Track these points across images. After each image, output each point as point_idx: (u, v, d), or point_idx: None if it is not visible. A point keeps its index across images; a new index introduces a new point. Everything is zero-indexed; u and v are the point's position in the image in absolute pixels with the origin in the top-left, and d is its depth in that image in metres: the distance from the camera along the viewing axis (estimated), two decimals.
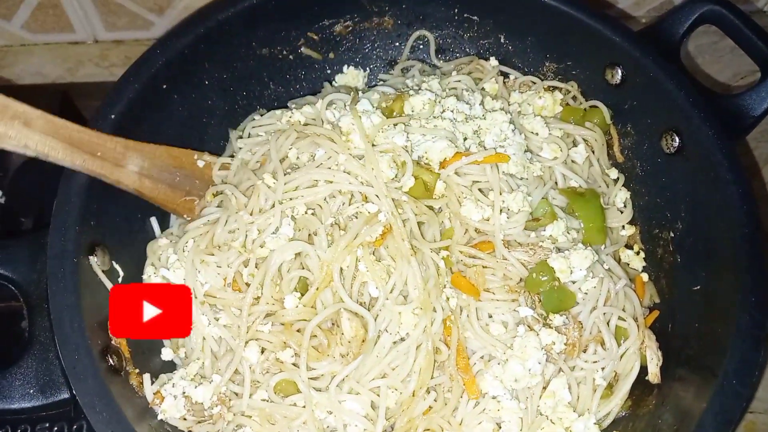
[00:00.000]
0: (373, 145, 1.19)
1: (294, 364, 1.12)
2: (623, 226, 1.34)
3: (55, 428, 1.27)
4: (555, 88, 1.41)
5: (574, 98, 1.41)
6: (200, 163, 1.29)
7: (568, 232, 1.23)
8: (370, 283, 1.13)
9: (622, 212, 1.34)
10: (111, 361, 1.05)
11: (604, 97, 1.37)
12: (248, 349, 1.12)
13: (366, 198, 1.16)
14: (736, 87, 1.71)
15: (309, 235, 1.17)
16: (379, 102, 1.27)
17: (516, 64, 1.46)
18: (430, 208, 1.20)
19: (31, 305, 1.09)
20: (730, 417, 1.00)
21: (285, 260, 1.15)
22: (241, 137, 1.36)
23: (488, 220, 1.19)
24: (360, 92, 1.33)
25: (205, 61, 1.31)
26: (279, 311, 1.13)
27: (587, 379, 1.17)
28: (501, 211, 1.19)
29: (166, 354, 1.19)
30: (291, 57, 1.44)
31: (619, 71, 1.32)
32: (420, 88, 1.33)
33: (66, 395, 1.03)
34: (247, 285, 1.15)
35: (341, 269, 1.13)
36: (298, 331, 1.13)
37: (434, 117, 1.26)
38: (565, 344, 1.15)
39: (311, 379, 1.11)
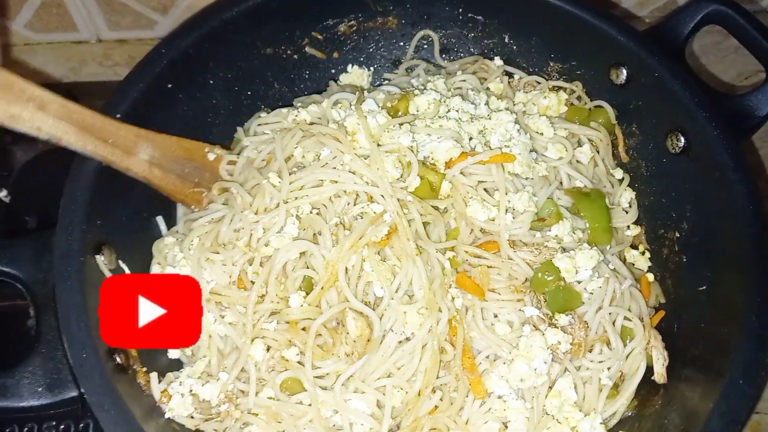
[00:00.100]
0: (378, 145, 1.19)
1: (299, 363, 1.12)
2: (628, 226, 1.34)
3: (62, 427, 1.28)
4: (560, 87, 1.41)
5: (579, 98, 1.41)
6: (211, 156, 1.29)
7: (574, 232, 1.23)
8: (375, 282, 1.13)
9: (627, 212, 1.34)
10: (118, 359, 1.05)
11: (609, 97, 1.37)
12: (254, 346, 1.12)
13: (371, 198, 1.16)
14: (740, 87, 1.71)
15: (314, 234, 1.17)
16: (384, 102, 1.27)
17: (520, 63, 1.46)
18: (436, 208, 1.20)
19: (37, 304, 1.09)
20: (737, 417, 1.00)
21: (289, 259, 1.15)
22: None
23: (494, 220, 1.19)
24: (365, 92, 1.33)
25: (210, 60, 1.31)
26: (284, 309, 1.13)
27: (593, 378, 1.17)
28: (506, 211, 1.19)
29: (173, 352, 1.19)
30: (295, 56, 1.44)
31: (624, 71, 1.32)
32: (425, 88, 1.33)
33: (74, 393, 1.03)
34: (252, 283, 1.15)
35: (346, 269, 1.13)
36: (303, 329, 1.13)
37: (439, 117, 1.26)
38: (571, 344, 1.15)
39: (317, 377, 1.11)
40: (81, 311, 1.02)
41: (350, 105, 1.26)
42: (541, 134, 1.32)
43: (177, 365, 1.19)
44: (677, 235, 1.27)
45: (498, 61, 1.45)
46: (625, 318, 1.20)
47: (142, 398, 1.09)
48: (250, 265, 1.16)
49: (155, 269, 1.22)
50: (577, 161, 1.34)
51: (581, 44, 1.36)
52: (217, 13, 1.28)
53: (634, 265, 1.32)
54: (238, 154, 1.31)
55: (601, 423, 1.14)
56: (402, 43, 1.50)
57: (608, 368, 1.18)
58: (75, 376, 1.00)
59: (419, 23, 1.47)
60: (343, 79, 1.49)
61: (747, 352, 1.03)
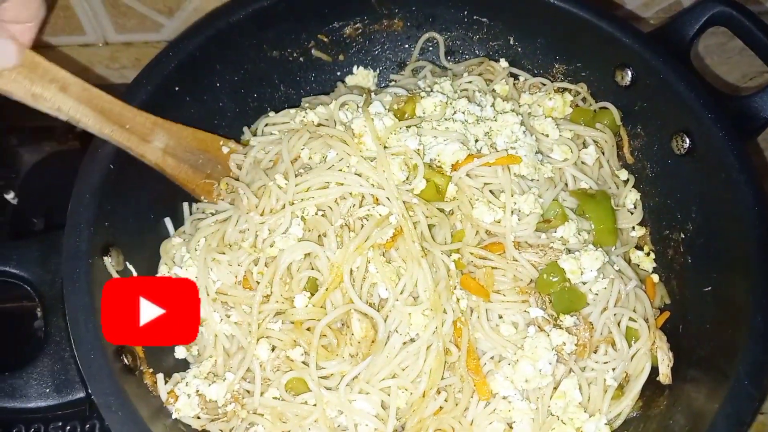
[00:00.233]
0: (385, 147, 1.19)
1: (304, 363, 1.12)
2: (633, 227, 1.34)
3: (68, 427, 1.28)
4: (565, 89, 1.41)
5: (584, 100, 1.41)
6: (225, 149, 1.31)
7: (579, 234, 1.23)
8: (380, 284, 1.13)
9: (632, 213, 1.34)
10: (126, 360, 1.06)
11: (614, 98, 1.37)
12: (259, 346, 1.13)
13: (377, 200, 1.17)
14: (745, 88, 1.71)
15: (319, 236, 1.17)
16: (391, 104, 1.28)
17: (525, 65, 1.46)
18: (441, 210, 1.20)
19: (45, 305, 1.10)
20: (743, 418, 1.00)
21: (294, 260, 1.15)
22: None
23: (499, 222, 1.19)
24: (372, 93, 1.33)
25: (217, 63, 1.32)
26: (289, 310, 1.14)
27: (598, 379, 1.17)
28: (512, 212, 1.19)
29: (180, 352, 1.19)
30: (301, 59, 1.44)
31: (629, 72, 1.32)
32: (432, 90, 1.34)
33: (81, 394, 1.03)
34: (257, 283, 1.16)
35: (351, 270, 1.13)
36: (308, 329, 1.14)
37: (446, 119, 1.26)
38: (576, 345, 1.15)
39: (321, 378, 1.11)
40: (89, 312, 1.02)
41: (357, 107, 1.27)
42: (547, 136, 1.32)
43: (183, 366, 1.19)
44: (682, 236, 1.27)
45: (503, 62, 1.45)
46: (630, 319, 1.20)
47: (149, 399, 1.09)
48: (256, 265, 1.17)
49: (162, 270, 1.23)
50: (583, 163, 1.34)
51: (586, 46, 1.36)
52: (223, 17, 1.29)
53: (639, 266, 1.32)
54: (245, 155, 1.32)
55: (606, 424, 1.14)
56: (407, 45, 1.50)
57: (613, 369, 1.18)
58: (83, 377, 1.01)
59: (424, 25, 1.48)
60: (349, 80, 1.49)
61: (752, 353, 1.03)
